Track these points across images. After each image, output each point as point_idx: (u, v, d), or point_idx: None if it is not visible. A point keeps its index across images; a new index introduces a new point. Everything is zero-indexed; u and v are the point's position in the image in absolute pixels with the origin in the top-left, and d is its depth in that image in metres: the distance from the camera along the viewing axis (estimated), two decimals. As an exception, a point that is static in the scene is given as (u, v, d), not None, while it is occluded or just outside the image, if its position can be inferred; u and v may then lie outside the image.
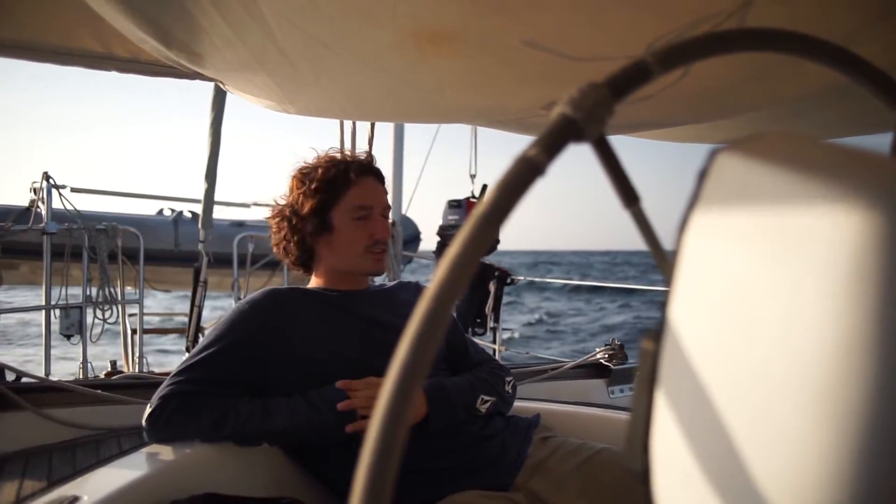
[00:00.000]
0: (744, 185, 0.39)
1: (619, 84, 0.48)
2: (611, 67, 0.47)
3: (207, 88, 3.26)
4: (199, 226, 3.98)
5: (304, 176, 1.71)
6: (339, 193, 1.68)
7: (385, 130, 4.84)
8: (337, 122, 3.29)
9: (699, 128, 1.77)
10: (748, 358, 0.34)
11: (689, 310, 0.41)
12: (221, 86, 1.95)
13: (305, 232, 1.70)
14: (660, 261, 0.63)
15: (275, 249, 1.78)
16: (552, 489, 1.56)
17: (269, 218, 1.77)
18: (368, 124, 3.12)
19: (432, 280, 0.44)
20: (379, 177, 1.76)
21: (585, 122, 0.47)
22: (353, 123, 3.11)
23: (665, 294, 0.44)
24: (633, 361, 2.59)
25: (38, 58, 1.84)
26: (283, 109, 1.86)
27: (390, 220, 4.94)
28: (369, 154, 1.78)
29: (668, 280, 0.64)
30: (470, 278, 0.45)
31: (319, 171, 1.69)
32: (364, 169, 1.72)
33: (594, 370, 2.54)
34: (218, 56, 1.64)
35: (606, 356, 2.56)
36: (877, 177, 0.32)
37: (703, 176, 0.43)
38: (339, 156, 1.74)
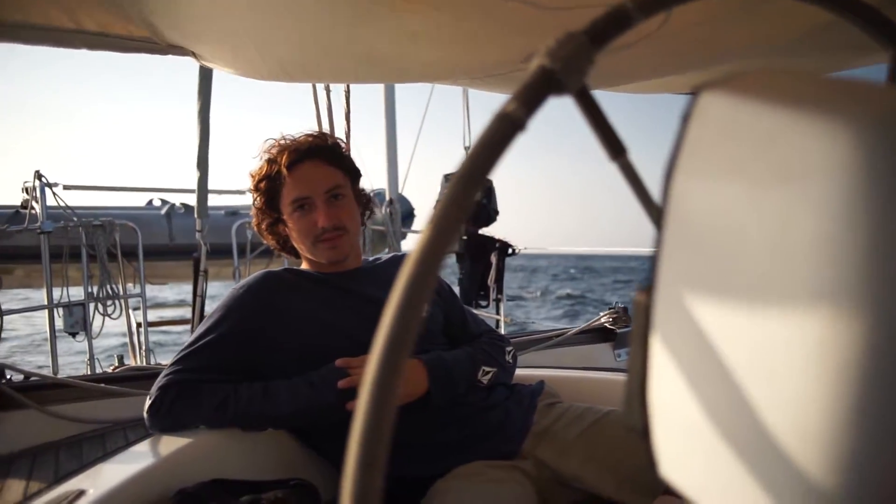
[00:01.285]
0: (729, 123, 0.37)
1: (599, 32, 0.46)
2: (591, 16, 0.45)
3: (189, 71, 3.23)
4: (196, 215, 3.96)
5: (252, 174, 1.70)
6: (278, 189, 1.65)
7: (376, 111, 4.80)
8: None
9: (682, 77, 1.74)
10: (741, 299, 0.33)
11: (679, 256, 0.39)
12: (193, 59, 1.90)
13: (267, 224, 1.71)
14: (650, 212, 0.62)
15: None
16: (558, 455, 1.56)
17: None
18: (343, 94, 3.05)
19: (416, 245, 0.42)
20: (321, 156, 1.65)
21: (565, 73, 0.45)
22: (328, 96, 3.04)
23: (655, 244, 0.43)
24: None
25: (2, 37, 1.74)
26: (256, 75, 1.81)
27: (387, 199, 4.92)
28: (311, 135, 1.70)
29: (656, 231, 0.62)
30: (454, 241, 0.43)
31: (261, 167, 1.67)
32: (297, 157, 1.63)
33: (599, 335, 2.53)
34: (187, 19, 1.60)
35: (611, 320, 2.55)
36: (868, 102, 0.30)
37: (686, 118, 0.41)
38: (283, 142, 1.67)
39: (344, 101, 2.98)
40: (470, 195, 0.43)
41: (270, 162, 1.66)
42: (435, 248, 0.43)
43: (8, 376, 1.81)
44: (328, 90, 3.00)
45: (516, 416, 1.60)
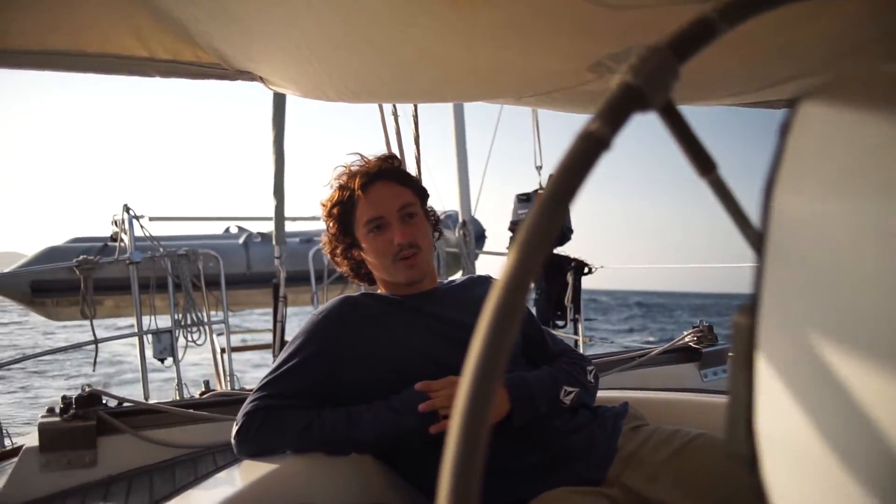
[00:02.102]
0: (833, 133, 0.35)
1: (682, 45, 0.45)
2: (653, 16, 0.44)
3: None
4: (274, 242, 4.06)
5: (324, 203, 1.74)
6: (352, 212, 1.69)
7: (445, 134, 4.83)
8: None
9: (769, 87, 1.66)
10: (862, 321, 0.31)
11: (785, 274, 0.38)
12: (261, 83, 1.94)
13: (342, 250, 1.74)
14: (744, 230, 0.59)
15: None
16: (646, 481, 1.50)
17: None
18: (412, 118, 3.05)
19: (502, 270, 0.42)
20: (391, 177, 1.69)
21: (649, 88, 0.44)
22: (396, 120, 3.05)
23: (756, 263, 0.41)
24: (723, 343, 2.49)
25: (80, 67, 1.83)
26: (324, 96, 1.84)
27: (460, 220, 4.94)
28: (380, 157, 1.73)
29: (755, 250, 0.60)
30: (541, 264, 0.42)
31: (333, 194, 1.72)
32: (369, 179, 1.67)
33: (683, 354, 2.45)
34: (253, 42, 1.63)
35: (695, 339, 2.46)
36: None
37: (785, 130, 0.39)
38: (353, 167, 1.71)
39: (412, 124, 2.99)
40: (556, 218, 0.42)
41: (342, 188, 1.70)
42: (522, 272, 0.42)
43: (104, 402, 1.88)
44: (395, 114, 3.02)
45: (601, 440, 1.56)
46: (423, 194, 1.77)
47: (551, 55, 1.34)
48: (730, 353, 0.45)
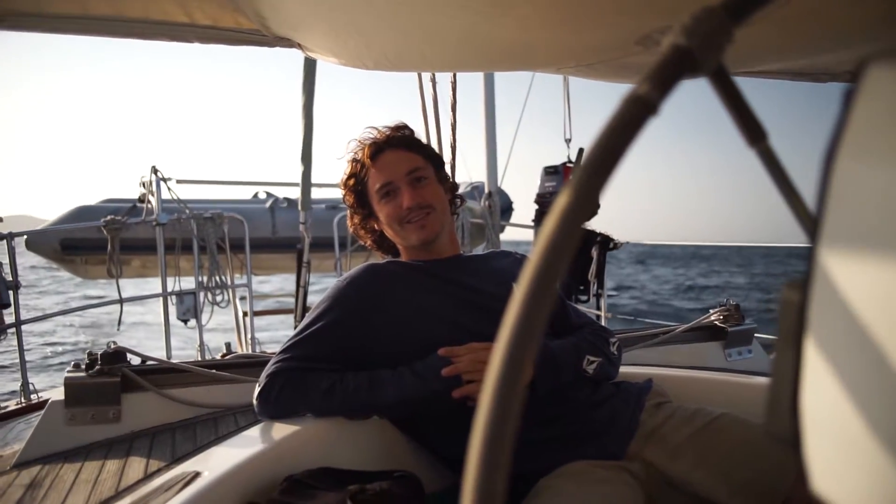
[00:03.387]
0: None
1: (738, 6, 0.43)
2: None
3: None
4: (299, 208, 4.07)
5: (344, 175, 1.78)
6: (365, 183, 1.72)
7: (474, 104, 4.78)
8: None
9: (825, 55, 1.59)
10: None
11: (845, 249, 0.35)
12: (300, 50, 1.93)
13: (360, 220, 1.78)
14: (793, 203, 0.57)
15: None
16: (667, 458, 1.50)
17: None
18: (450, 85, 3.01)
19: (540, 236, 0.40)
20: (399, 144, 1.72)
21: (701, 51, 0.42)
22: (434, 87, 3.01)
23: (811, 237, 0.39)
24: (749, 322, 2.46)
25: (122, 32, 1.85)
26: (361, 65, 1.83)
27: (486, 191, 4.91)
28: (389, 127, 1.75)
29: (804, 225, 0.58)
30: (581, 232, 0.41)
31: (347, 165, 1.75)
32: (377, 149, 1.70)
33: (708, 333, 2.42)
34: (296, 9, 1.62)
35: (721, 317, 2.43)
36: None
37: (851, 95, 0.37)
38: (365, 139, 1.74)
39: (450, 91, 2.95)
40: (598, 184, 0.40)
41: (355, 161, 1.74)
42: (562, 238, 0.41)
43: (128, 360, 1.90)
44: (434, 81, 2.98)
45: (624, 414, 1.56)
46: (435, 160, 1.79)
47: (600, 27, 1.32)
48: (777, 329, 0.43)
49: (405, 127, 1.77)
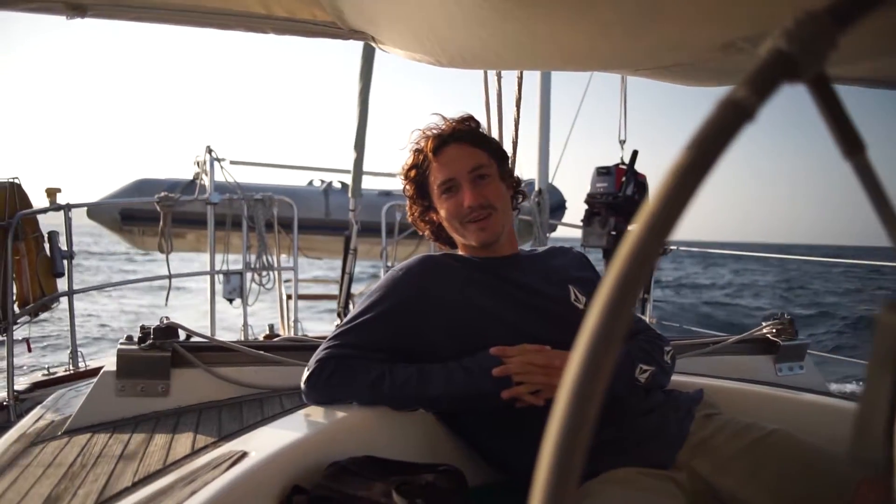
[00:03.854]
0: None
1: (844, 12, 0.41)
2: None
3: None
4: (349, 195, 4.09)
5: (403, 167, 1.75)
6: (427, 176, 1.70)
7: (530, 99, 4.75)
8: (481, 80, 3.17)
9: None
10: None
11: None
12: (373, 44, 1.94)
13: (419, 212, 1.77)
14: (886, 219, 0.55)
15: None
16: (716, 470, 1.47)
17: None
18: (516, 81, 2.98)
19: (629, 238, 0.39)
20: (463, 139, 1.68)
21: (803, 57, 0.40)
22: (499, 82, 2.98)
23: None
24: (803, 338, 2.40)
25: (200, 22, 1.88)
26: (435, 61, 1.82)
27: (535, 188, 4.87)
28: (455, 120, 1.71)
29: None
30: (669, 237, 0.40)
31: (409, 157, 1.73)
32: (441, 142, 1.67)
33: (760, 346, 2.37)
34: (374, 5, 1.63)
35: (774, 331, 2.37)
36: None
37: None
38: (428, 131, 1.71)
39: (516, 87, 2.92)
40: (689, 191, 0.39)
41: (417, 151, 1.71)
42: (647, 245, 0.39)
43: (179, 336, 1.93)
44: (499, 76, 2.96)
45: (673, 423, 1.53)
46: (500, 156, 1.74)
47: (684, 33, 1.29)
48: (872, 353, 0.42)
49: (471, 119, 1.74)
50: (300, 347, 2.05)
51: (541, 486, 0.38)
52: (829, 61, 0.44)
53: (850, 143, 0.51)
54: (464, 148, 1.67)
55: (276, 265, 5.36)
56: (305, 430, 1.41)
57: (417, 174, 1.71)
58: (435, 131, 1.70)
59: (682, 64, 1.48)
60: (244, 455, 1.25)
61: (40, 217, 3.84)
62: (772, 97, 0.40)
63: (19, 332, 3.70)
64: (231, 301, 5.23)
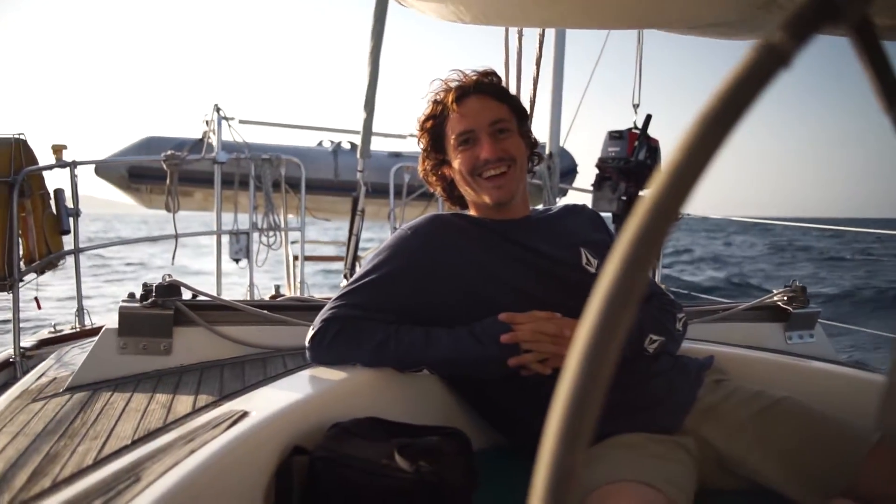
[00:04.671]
0: None
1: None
2: None
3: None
4: (358, 155, 4.04)
5: (419, 118, 1.70)
6: (444, 127, 1.64)
7: (543, 60, 4.65)
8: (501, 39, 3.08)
9: None
10: None
11: None
12: (397, 1, 1.86)
13: (432, 166, 1.71)
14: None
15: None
16: (725, 437, 1.46)
17: None
18: (537, 40, 2.90)
19: (649, 193, 0.36)
20: (486, 91, 1.63)
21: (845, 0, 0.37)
22: (520, 41, 2.90)
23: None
24: (814, 306, 2.36)
25: None
26: (456, 18, 1.76)
27: (546, 152, 4.82)
28: (479, 72, 1.66)
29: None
30: (695, 188, 0.36)
31: (427, 107, 1.68)
32: (463, 92, 1.62)
33: (770, 313, 2.34)
34: None
35: (785, 299, 2.34)
36: None
37: None
38: (450, 82, 1.66)
39: (537, 45, 2.84)
40: (716, 140, 0.35)
41: (436, 102, 1.66)
42: (669, 199, 0.36)
43: (182, 294, 1.91)
44: (521, 35, 2.88)
45: (682, 388, 1.51)
46: (521, 113, 1.70)
47: None
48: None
49: (493, 73, 1.69)
50: (304, 307, 2.03)
51: (548, 451, 0.35)
52: (873, 6, 0.40)
53: (892, 95, 0.47)
54: (486, 101, 1.62)
55: (282, 226, 5.34)
56: (308, 390, 1.39)
57: (434, 125, 1.66)
58: (457, 82, 1.65)
59: (718, 24, 1.41)
60: (245, 414, 1.23)
61: (46, 175, 3.81)
62: (810, 42, 0.37)
63: (27, 290, 3.70)
64: (237, 261, 5.23)
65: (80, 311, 3.96)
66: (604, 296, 0.36)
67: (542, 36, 2.80)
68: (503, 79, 1.66)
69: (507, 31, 2.87)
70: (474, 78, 1.65)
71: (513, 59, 2.80)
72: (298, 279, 5.53)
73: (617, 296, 0.36)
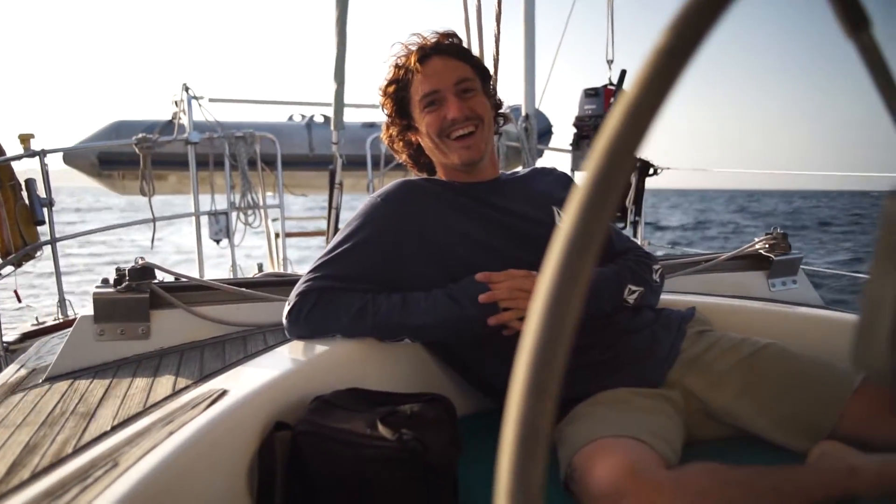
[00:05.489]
0: None
1: None
2: None
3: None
4: (332, 127, 3.99)
5: (384, 81, 1.67)
6: (408, 90, 1.62)
7: (514, 25, 4.59)
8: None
9: None
10: None
11: None
12: None
13: (398, 131, 1.69)
14: (892, 104, 0.49)
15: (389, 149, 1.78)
16: (709, 386, 1.46)
17: None
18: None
19: (603, 134, 0.34)
20: (448, 52, 1.61)
21: None
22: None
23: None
24: (795, 252, 2.37)
25: None
26: None
27: (523, 113, 4.79)
28: (439, 33, 1.64)
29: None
30: (651, 125, 0.34)
31: (389, 72, 1.65)
32: (425, 54, 1.59)
33: (753, 262, 2.34)
34: None
35: (767, 246, 2.34)
36: None
37: None
38: (411, 44, 1.63)
39: (496, 2, 2.77)
40: (672, 73, 0.33)
41: (398, 67, 1.64)
42: (628, 138, 0.34)
43: (159, 277, 1.88)
44: None
45: (664, 341, 1.50)
46: (484, 73, 1.68)
47: None
48: (875, 247, 0.37)
49: (454, 35, 1.66)
50: (282, 283, 2.00)
51: (516, 403, 0.34)
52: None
53: (853, 17, 0.46)
54: (449, 61, 1.60)
55: (261, 203, 5.29)
56: (288, 365, 1.38)
57: (398, 89, 1.63)
58: (417, 45, 1.62)
59: None
60: (224, 393, 1.21)
61: (15, 165, 3.74)
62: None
63: (6, 283, 3.66)
64: (218, 242, 5.18)
65: (62, 302, 3.93)
66: (565, 240, 0.34)
67: None
68: (465, 39, 1.62)
69: None
70: (435, 40, 1.62)
71: (473, 19, 2.73)
72: (281, 256, 5.50)
73: (578, 240, 0.34)
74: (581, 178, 0.34)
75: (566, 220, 0.34)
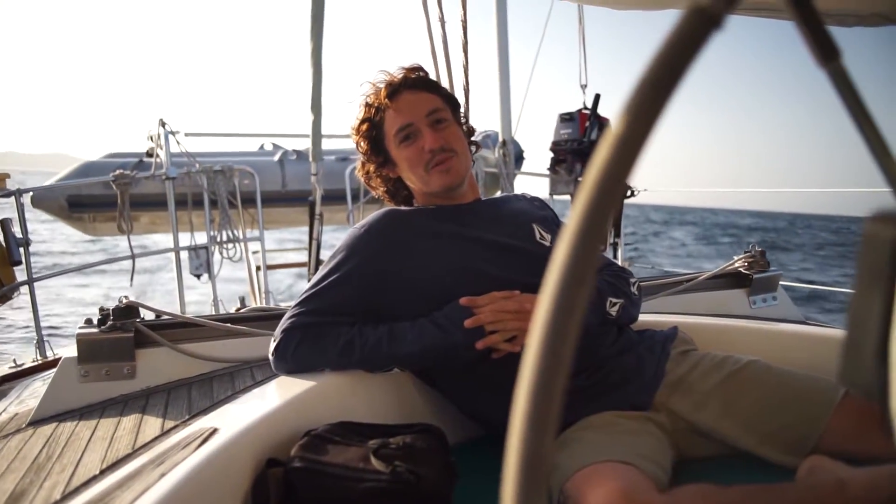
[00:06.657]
0: None
1: None
2: None
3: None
4: (310, 159, 4.00)
5: (356, 120, 1.70)
6: (381, 127, 1.65)
7: (488, 55, 4.65)
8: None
9: None
10: None
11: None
12: None
13: (375, 168, 1.71)
14: (867, 129, 0.52)
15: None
16: (694, 407, 1.47)
17: None
18: (460, 26, 2.84)
19: (593, 167, 0.35)
20: (415, 86, 1.64)
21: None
22: (442, 23, 2.81)
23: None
24: (774, 269, 2.40)
25: None
26: None
27: (500, 140, 4.84)
28: (405, 68, 1.67)
29: (876, 152, 0.52)
30: (640, 156, 0.36)
31: (360, 110, 1.68)
32: (394, 89, 1.63)
33: (733, 280, 2.37)
34: None
35: (746, 264, 2.38)
36: None
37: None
38: (379, 82, 1.66)
39: (461, 31, 2.79)
40: (657, 106, 0.35)
41: (369, 105, 1.66)
42: (618, 167, 0.35)
43: (142, 315, 1.87)
44: (442, 21, 2.81)
45: (649, 363, 1.52)
46: (453, 102, 1.72)
47: None
48: (858, 268, 0.38)
49: (420, 68, 1.70)
50: (268, 317, 2.00)
51: (517, 435, 0.35)
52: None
53: (825, 49, 0.48)
54: (418, 94, 1.63)
55: (241, 237, 5.27)
56: (277, 400, 1.37)
57: (371, 127, 1.66)
58: (385, 81, 1.65)
59: None
60: (214, 431, 1.20)
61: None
62: (739, 5, 0.36)
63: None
64: (199, 277, 5.14)
65: (41, 343, 3.86)
66: (559, 272, 0.35)
67: (464, 22, 2.73)
68: (433, 72, 1.66)
69: (427, 19, 2.79)
70: (402, 75, 1.66)
71: (440, 51, 2.75)
72: (263, 290, 5.46)
73: (572, 271, 0.35)
74: (573, 209, 0.36)
75: (560, 250, 0.35)
